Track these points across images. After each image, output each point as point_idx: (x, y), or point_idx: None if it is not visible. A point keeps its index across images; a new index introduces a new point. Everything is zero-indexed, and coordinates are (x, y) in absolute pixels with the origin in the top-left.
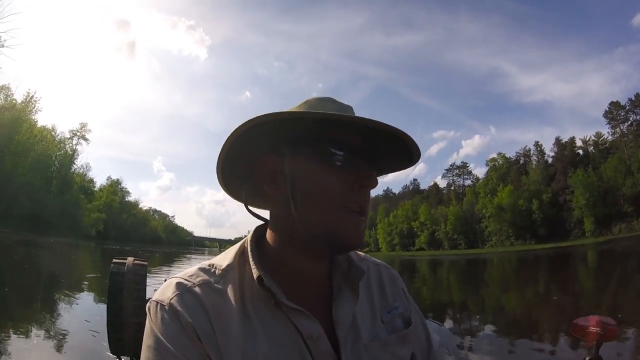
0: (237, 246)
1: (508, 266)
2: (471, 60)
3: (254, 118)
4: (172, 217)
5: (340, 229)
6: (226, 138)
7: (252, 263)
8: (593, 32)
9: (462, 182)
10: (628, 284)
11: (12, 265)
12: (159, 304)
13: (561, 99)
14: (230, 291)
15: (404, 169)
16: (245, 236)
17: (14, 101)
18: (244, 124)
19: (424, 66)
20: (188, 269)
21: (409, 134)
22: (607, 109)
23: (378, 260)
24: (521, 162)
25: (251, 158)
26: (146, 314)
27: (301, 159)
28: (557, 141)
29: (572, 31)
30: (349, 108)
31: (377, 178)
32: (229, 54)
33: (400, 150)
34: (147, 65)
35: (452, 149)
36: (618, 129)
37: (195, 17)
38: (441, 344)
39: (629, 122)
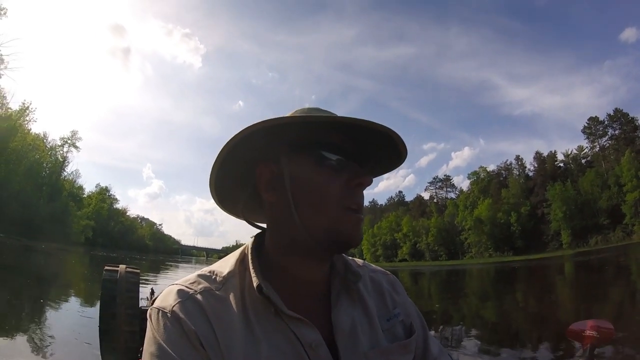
0: (237, 253)
1: (487, 277)
2: (461, 73)
3: (251, 125)
4: (160, 225)
5: (342, 227)
6: (220, 149)
7: (252, 271)
8: (582, 45)
9: (445, 194)
10: (604, 294)
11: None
12: (160, 311)
13: (550, 111)
14: (231, 298)
15: (393, 168)
16: (234, 245)
17: (9, 110)
18: (239, 132)
19: (414, 79)
20: (188, 276)
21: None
22: (586, 124)
23: (377, 267)
24: (503, 175)
25: (247, 167)
26: (140, 323)
27: (298, 164)
28: (537, 155)
29: (561, 45)
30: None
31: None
32: (223, 63)
33: (389, 151)
34: (140, 72)
35: (442, 161)
36: (597, 144)
37: (191, 25)
38: (442, 351)
39: (607, 136)
